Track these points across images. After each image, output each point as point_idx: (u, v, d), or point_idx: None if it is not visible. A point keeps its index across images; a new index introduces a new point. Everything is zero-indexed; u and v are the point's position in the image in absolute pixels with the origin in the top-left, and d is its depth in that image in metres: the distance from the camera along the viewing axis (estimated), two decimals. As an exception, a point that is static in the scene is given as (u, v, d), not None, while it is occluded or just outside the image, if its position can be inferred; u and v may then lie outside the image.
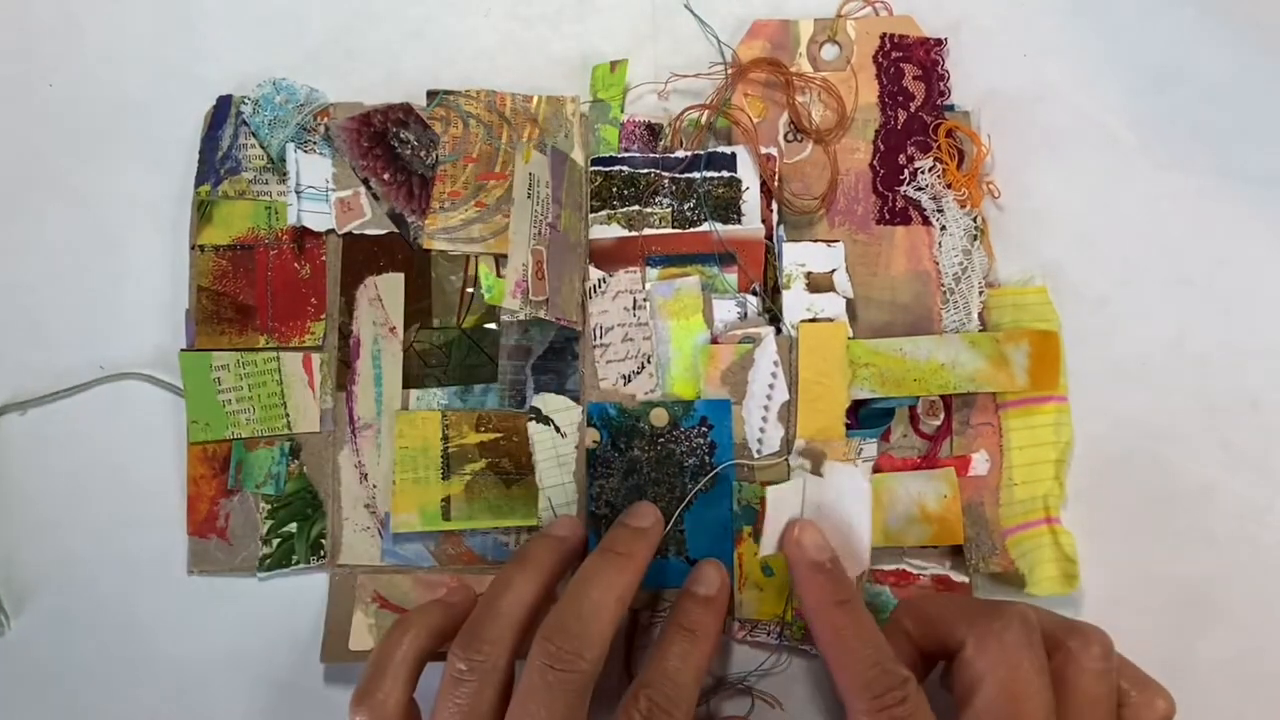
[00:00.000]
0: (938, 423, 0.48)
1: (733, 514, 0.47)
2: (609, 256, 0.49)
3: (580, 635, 0.39)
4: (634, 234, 0.49)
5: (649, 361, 0.48)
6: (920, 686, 0.39)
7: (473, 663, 0.40)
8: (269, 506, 0.49)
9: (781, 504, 0.46)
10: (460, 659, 0.40)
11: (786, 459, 0.47)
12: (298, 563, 0.49)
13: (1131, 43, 0.51)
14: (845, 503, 0.46)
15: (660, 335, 0.48)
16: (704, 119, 0.50)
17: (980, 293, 0.49)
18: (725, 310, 0.48)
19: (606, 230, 0.50)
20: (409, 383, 0.50)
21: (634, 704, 0.39)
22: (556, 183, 0.49)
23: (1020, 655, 0.38)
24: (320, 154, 0.50)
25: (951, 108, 0.51)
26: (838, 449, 0.47)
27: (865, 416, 0.48)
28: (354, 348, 0.50)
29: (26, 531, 0.50)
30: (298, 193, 0.50)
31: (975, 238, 0.49)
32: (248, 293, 0.50)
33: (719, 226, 0.49)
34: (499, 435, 0.49)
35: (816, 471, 0.47)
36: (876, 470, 0.48)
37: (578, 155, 0.50)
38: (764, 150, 0.50)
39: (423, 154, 0.51)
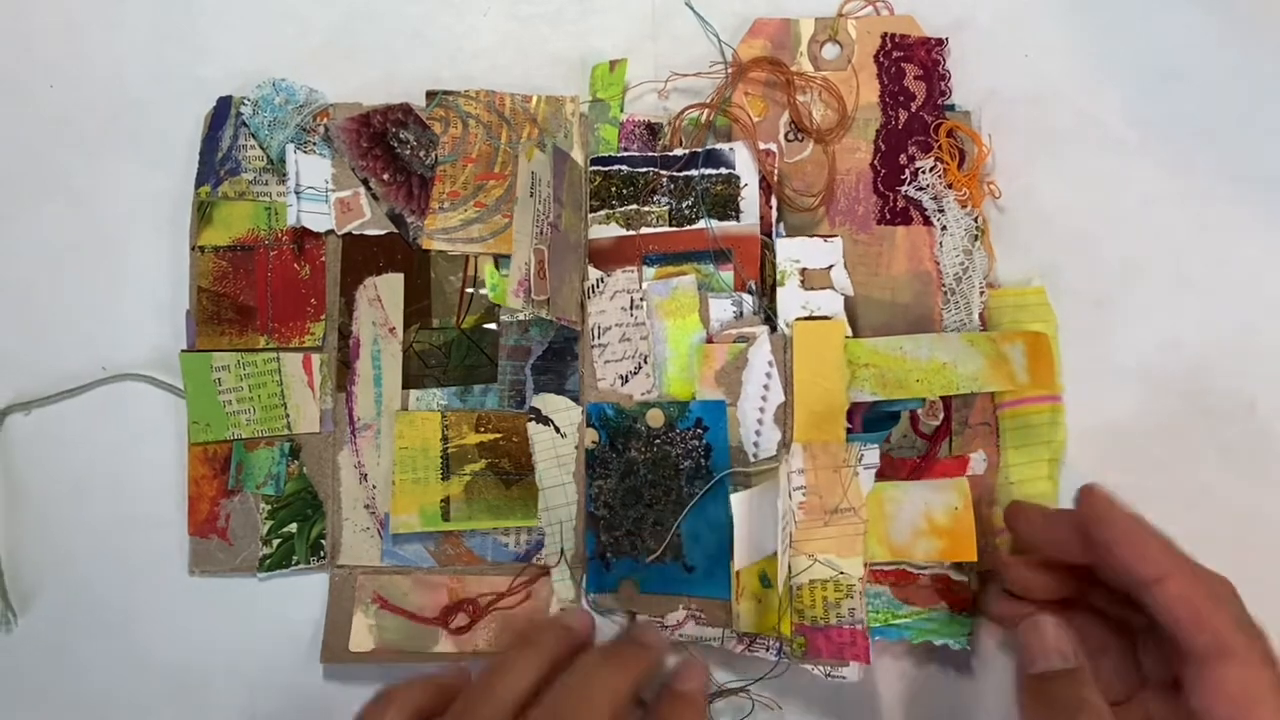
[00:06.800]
0: (937, 423, 0.48)
1: (730, 519, 0.46)
2: (607, 256, 0.49)
3: None
4: (632, 233, 0.49)
5: (646, 361, 0.48)
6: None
7: None
8: (269, 507, 0.49)
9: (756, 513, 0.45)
10: None
11: (784, 463, 0.47)
12: (298, 563, 0.49)
13: (1131, 43, 0.50)
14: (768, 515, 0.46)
15: (657, 335, 0.48)
16: (704, 118, 0.50)
17: (981, 293, 0.48)
18: (721, 309, 0.48)
19: (605, 230, 0.49)
20: (409, 383, 0.50)
21: None
22: (558, 182, 0.49)
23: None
24: (320, 154, 0.51)
25: (952, 107, 0.50)
26: (837, 454, 0.46)
27: (870, 420, 0.48)
28: (354, 348, 0.50)
29: (30, 530, 0.51)
30: (297, 193, 0.50)
31: (976, 238, 0.49)
32: (248, 293, 0.50)
33: (714, 223, 0.49)
34: (499, 435, 0.49)
35: None
36: (878, 475, 0.46)
37: (577, 155, 0.50)
38: (763, 146, 0.49)
39: (422, 154, 0.51)
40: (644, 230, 0.49)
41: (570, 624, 0.43)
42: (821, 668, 0.46)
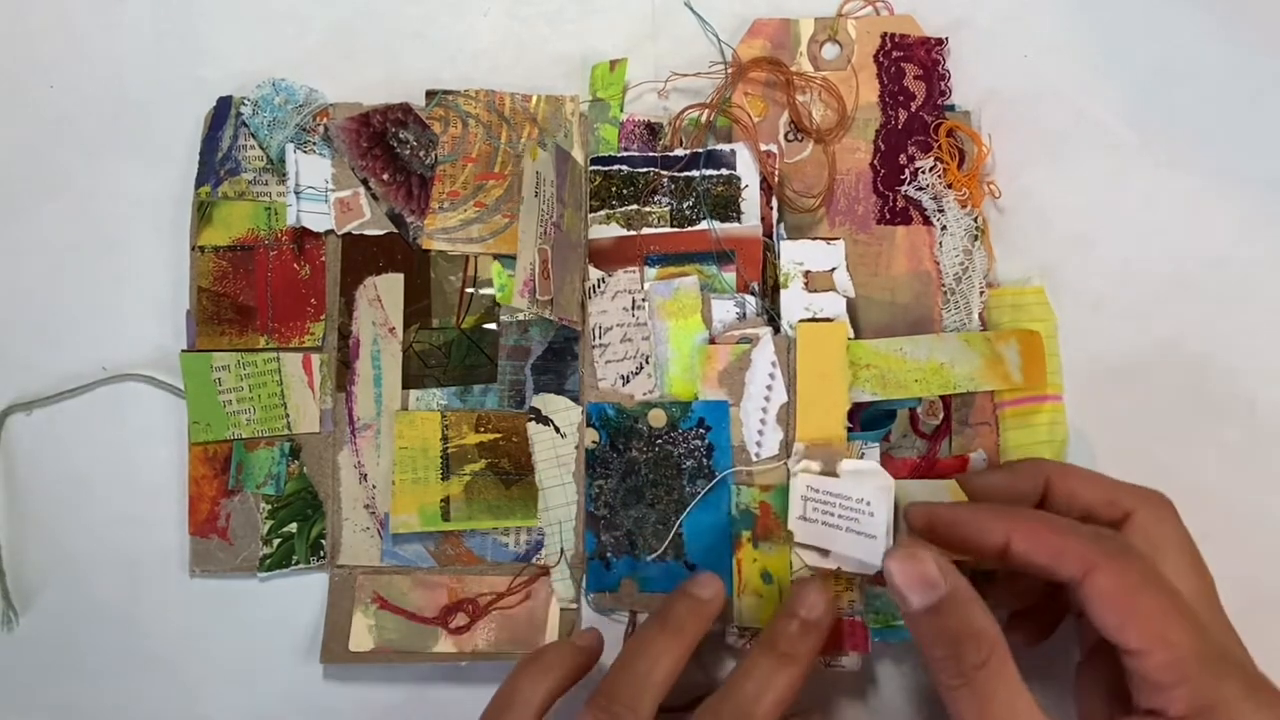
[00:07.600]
0: (937, 422, 0.48)
1: (731, 518, 0.47)
2: (608, 256, 0.49)
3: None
4: (632, 233, 0.49)
5: (647, 362, 0.48)
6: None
7: None
8: (269, 507, 0.49)
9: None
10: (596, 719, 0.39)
11: (786, 463, 0.47)
12: (298, 563, 0.49)
13: (1131, 43, 0.50)
14: (866, 504, 0.44)
15: (659, 335, 0.48)
16: (704, 118, 0.50)
17: (981, 293, 0.48)
18: (724, 310, 0.48)
19: (605, 230, 0.49)
20: (408, 383, 0.50)
21: None
22: (560, 182, 0.49)
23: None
24: (319, 154, 0.51)
25: (952, 107, 0.50)
26: (838, 453, 0.46)
27: (868, 419, 0.48)
28: (354, 348, 0.50)
29: (31, 530, 0.51)
30: (297, 193, 0.50)
31: (976, 238, 0.49)
32: (248, 293, 0.50)
33: (716, 225, 0.49)
34: (499, 435, 0.49)
35: (830, 472, 0.45)
36: None
37: (577, 155, 0.50)
38: (764, 147, 0.49)
39: (422, 154, 0.51)
40: (645, 231, 0.49)
41: (703, 595, 0.43)
42: (821, 659, 0.46)
